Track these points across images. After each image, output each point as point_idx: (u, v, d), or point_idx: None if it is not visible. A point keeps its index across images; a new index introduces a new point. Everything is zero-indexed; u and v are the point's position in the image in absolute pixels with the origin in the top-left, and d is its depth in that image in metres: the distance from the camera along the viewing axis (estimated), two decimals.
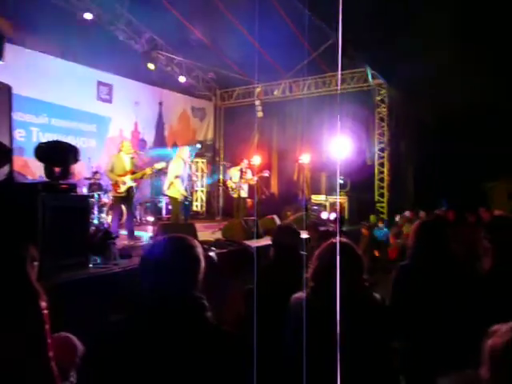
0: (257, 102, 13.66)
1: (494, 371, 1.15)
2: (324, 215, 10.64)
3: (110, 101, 11.71)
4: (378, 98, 12.88)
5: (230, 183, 10.46)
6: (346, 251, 1.98)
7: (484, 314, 2.06)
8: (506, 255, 2.40)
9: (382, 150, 12.76)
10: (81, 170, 9.53)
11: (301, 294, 2.07)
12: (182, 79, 13.23)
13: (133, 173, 7.23)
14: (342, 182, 11.25)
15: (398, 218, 10.42)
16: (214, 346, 1.51)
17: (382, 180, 12.67)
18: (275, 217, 8.92)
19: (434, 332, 2.47)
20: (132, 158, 7.40)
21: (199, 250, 1.69)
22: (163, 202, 11.62)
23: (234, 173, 10.57)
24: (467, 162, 21.76)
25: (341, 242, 2.03)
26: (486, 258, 2.53)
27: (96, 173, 9.36)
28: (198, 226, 9.44)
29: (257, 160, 11.44)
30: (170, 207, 9.32)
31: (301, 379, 1.76)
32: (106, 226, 7.50)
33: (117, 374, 1.46)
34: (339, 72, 12.85)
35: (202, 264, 1.66)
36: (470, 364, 1.33)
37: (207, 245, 6.01)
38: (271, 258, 3.13)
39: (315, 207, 11.61)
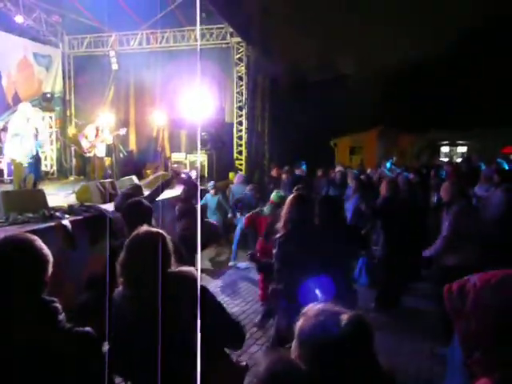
0: (111, 53, 12.74)
1: (301, 350, 1.27)
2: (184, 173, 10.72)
3: None
4: (237, 57, 13.07)
5: (84, 142, 9.77)
6: (156, 243, 1.88)
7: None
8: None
9: (240, 108, 13.15)
10: None
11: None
12: (19, 19, 11.53)
13: None
14: (202, 139, 11.37)
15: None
16: (68, 351, 1.49)
17: (240, 138, 13.14)
18: (134, 177, 8.70)
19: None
20: None
21: (38, 245, 1.59)
22: (4, 162, 10.33)
23: (88, 131, 9.89)
24: (317, 121, 23.73)
25: (150, 233, 1.96)
26: None
27: None
28: (50, 188, 8.76)
29: (112, 116, 10.83)
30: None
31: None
32: None
33: None
34: (198, 26, 12.64)
35: (48, 259, 1.59)
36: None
37: (60, 212, 5.65)
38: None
39: (175, 165, 11.62)
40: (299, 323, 1.31)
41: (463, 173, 6.92)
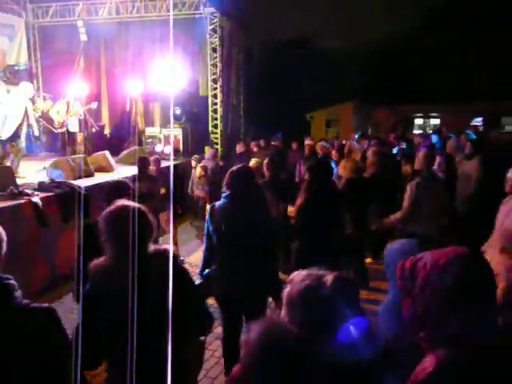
0: (79, 23, 12.23)
1: (292, 314, 1.32)
2: (158, 148, 10.57)
3: None
4: (210, 28, 12.74)
5: (56, 117, 9.49)
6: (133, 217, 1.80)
7: None
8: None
9: (214, 81, 12.92)
10: None
11: (101, 260, 1.91)
12: None
13: None
14: (176, 113, 11.17)
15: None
16: (26, 326, 1.49)
17: (215, 111, 12.97)
18: (107, 152, 8.54)
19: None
20: None
21: None
22: None
23: (59, 106, 9.59)
24: (293, 94, 23.64)
25: (127, 207, 1.89)
26: None
27: None
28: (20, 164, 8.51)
29: (84, 90, 10.49)
30: None
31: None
32: None
33: None
34: None
35: (2, 237, 1.56)
36: None
37: (30, 188, 5.53)
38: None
39: (149, 140, 11.43)
40: (287, 290, 1.36)
41: (433, 144, 7.05)
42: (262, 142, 10.17)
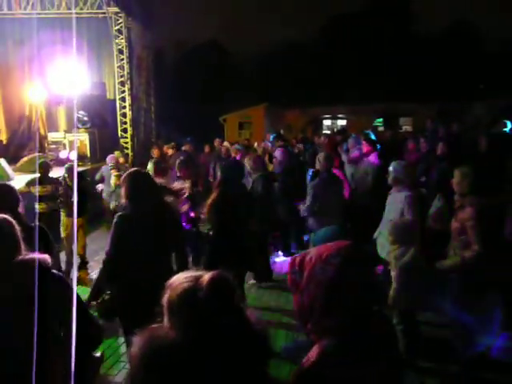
0: None
1: (171, 320, 1.29)
2: (63, 154, 9.94)
3: None
4: (116, 28, 12.29)
5: None
6: None
7: None
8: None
9: (122, 83, 12.48)
10: None
11: None
12: None
13: None
14: (81, 117, 10.59)
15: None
16: None
17: (124, 115, 12.53)
18: (2, 160, 7.87)
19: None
20: None
21: None
22: None
23: None
24: (206, 97, 23.61)
25: None
26: None
27: None
28: None
29: None
30: None
31: None
32: None
33: None
34: None
35: None
36: None
37: None
38: None
39: (53, 146, 10.71)
40: (166, 295, 1.33)
41: (337, 143, 7.46)
42: (174, 145, 10.06)
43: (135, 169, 3.14)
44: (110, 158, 7.48)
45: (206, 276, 1.30)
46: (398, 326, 3.43)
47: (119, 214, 2.94)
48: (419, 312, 3.86)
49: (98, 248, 7.18)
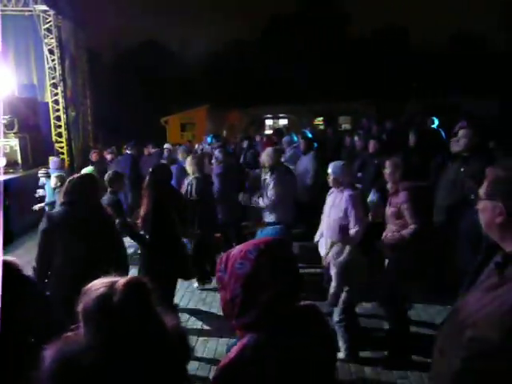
0: None
1: (86, 326, 1.26)
2: None
3: None
4: (45, 27, 11.68)
5: None
6: None
7: None
8: None
9: (55, 85, 11.90)
10: None
11: None
12: None
13: None
14: (6, 122, 9.95)
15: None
16: None
17: (58, 118, 11.97)
18: None
19: None
20: None
21: None
22: None
23: None
24: (146, 99, 23.09)
25: None
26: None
27: None
28: None
29: None
30: None
31: None
32: None
33: None
34: None
35: None
36: None
37: None
38: None
39: None
40: (82, 302, 1.30)
41: (274, 142, 7.57)
42: (114, 149, 9.74)
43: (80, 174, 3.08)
44: (53, 163, 7.25)
45: (122, 281, 1.27)
46: (340, 322, 3.52)
47: (48, 216, 2.85)
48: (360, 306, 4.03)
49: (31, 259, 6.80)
